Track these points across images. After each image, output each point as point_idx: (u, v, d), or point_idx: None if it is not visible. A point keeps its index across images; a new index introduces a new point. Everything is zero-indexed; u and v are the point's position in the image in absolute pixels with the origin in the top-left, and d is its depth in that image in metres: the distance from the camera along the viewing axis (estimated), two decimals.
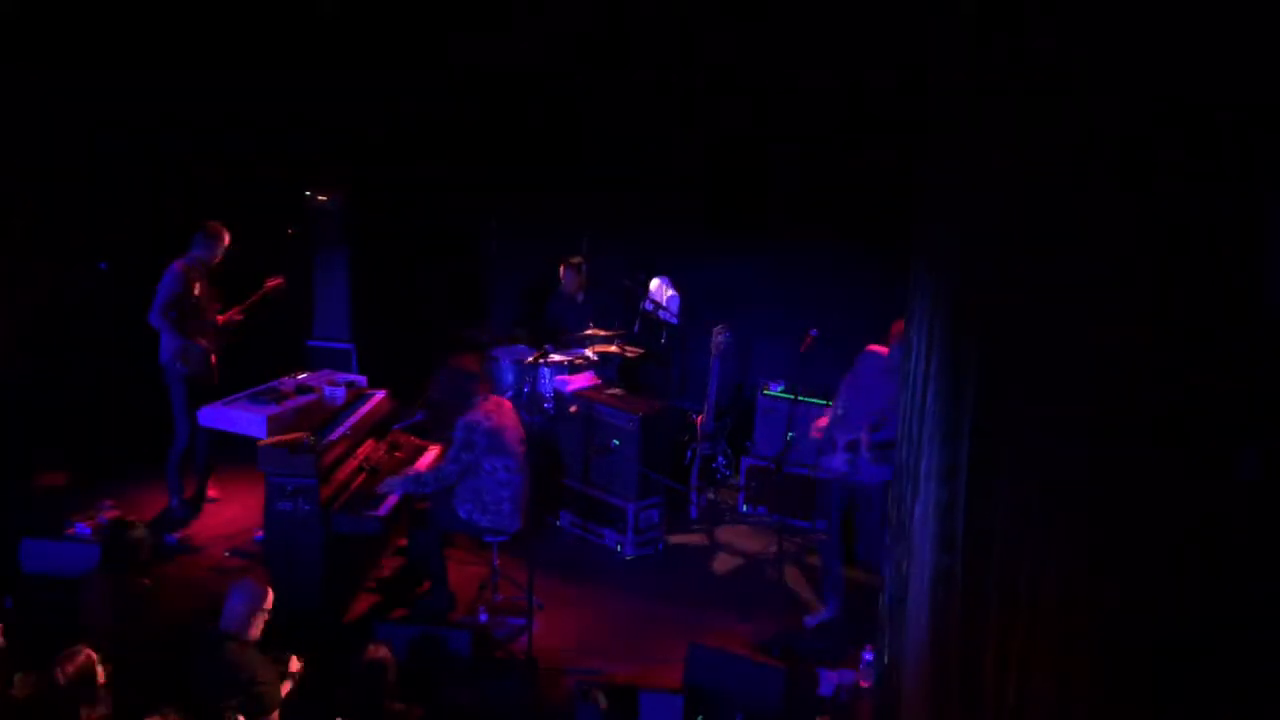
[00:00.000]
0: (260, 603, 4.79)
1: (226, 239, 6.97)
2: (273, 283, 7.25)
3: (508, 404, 6.28)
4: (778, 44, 7.57)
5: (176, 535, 6.90)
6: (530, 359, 7.52)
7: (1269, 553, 3.98)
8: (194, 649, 4.80)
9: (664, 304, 8.22)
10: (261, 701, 4.58)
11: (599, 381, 7.68)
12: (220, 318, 7.06)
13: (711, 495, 7.74)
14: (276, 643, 4.96)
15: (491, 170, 8.75)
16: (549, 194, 8.53)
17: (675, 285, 8.41)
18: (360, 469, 6.38)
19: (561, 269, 8.30)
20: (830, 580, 6.22)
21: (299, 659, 5.03)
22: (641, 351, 7.98)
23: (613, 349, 7.82)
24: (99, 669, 4.31)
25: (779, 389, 7.54)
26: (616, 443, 7.02)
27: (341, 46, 8.54)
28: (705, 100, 7.99)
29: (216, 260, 6.97)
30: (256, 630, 4.79)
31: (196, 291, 6.85)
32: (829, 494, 6.20)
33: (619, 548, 7.03)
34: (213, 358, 7.04)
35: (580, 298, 8.32)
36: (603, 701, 5.06)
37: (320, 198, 8.61)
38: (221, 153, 8.46)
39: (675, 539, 7.30)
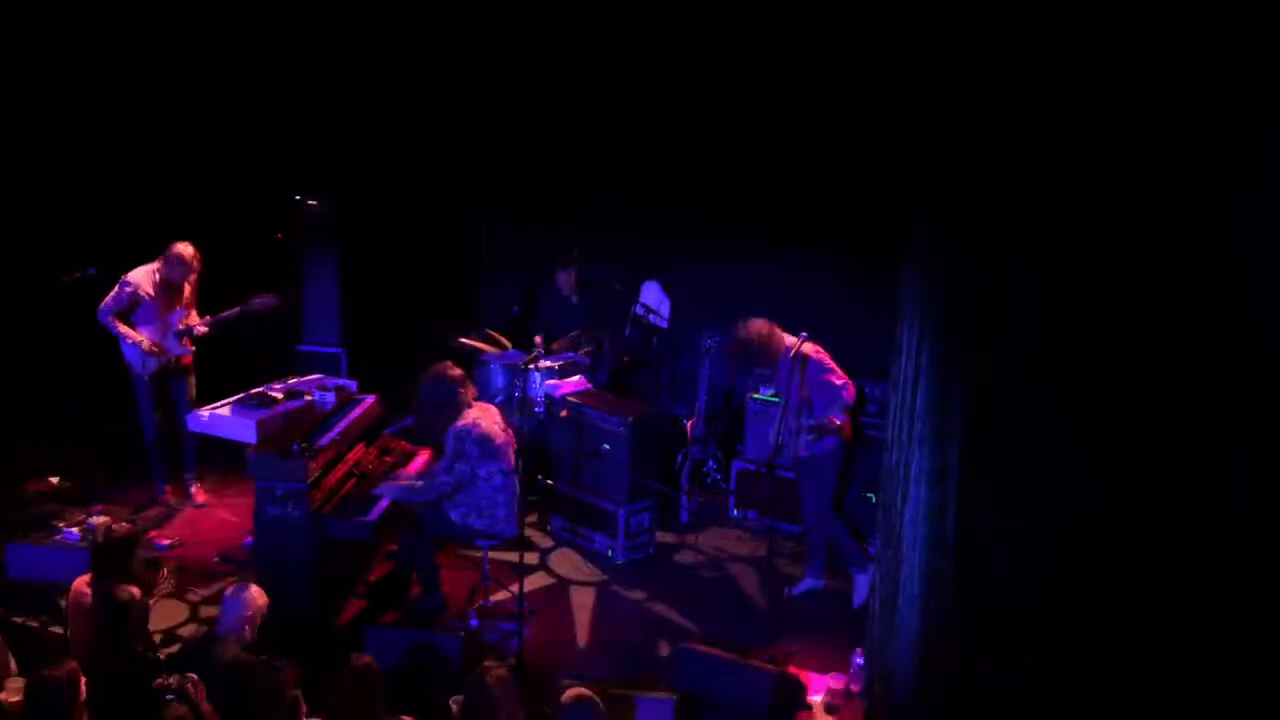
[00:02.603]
0: (257, 607, 4.78)
1: (187, 262, 7.01)
2: (261, 301, 7.13)
3: (493, 408, 6.27)
4: (773, 45, 7.60)
5: (166, 541, 6.89)
6: (521, 363, 7.51)
7: (1261, 558, 3.99)
8: (190, 654, 4.77)
9: (656, 308, 8.22)
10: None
11: (590, 386, 7.67)
12: (182, 323, 7.14)
13: (702, 499, 7.74)
14: (268, 648, 4.94)
15: (484, 172, 8.76)
16: (542, 197, 8.53)
17: (666, 289, 8.41)
18: (351, 474, 6.36)
19: (556, 273, 8.30)
20: (814, 552, 6.64)
21: None
22: (632, 356, 7.98)
23: (602, 353, 7.83)
24: (80, 683, 4.26)
25: (769, 393, 7.53)
26: (607, 447, 7.02)
27: (335, 45, 8.56)
28: (698, 102, 8.00)
29: (180, 279, 7.07)
30: (252, 635, 4.77)
31: (151, 298, 7.01)
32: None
33: (610, 552, 7.02)
34: (185, 358, 7.22)
35: (574, 301, 8.32)
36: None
37: (310, 202, 8.59)
38: (213, 154, 8.47)
39: (666, 543, 7.30)
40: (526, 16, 8.16)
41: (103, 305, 6.96)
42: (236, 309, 7.13)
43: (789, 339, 6.38)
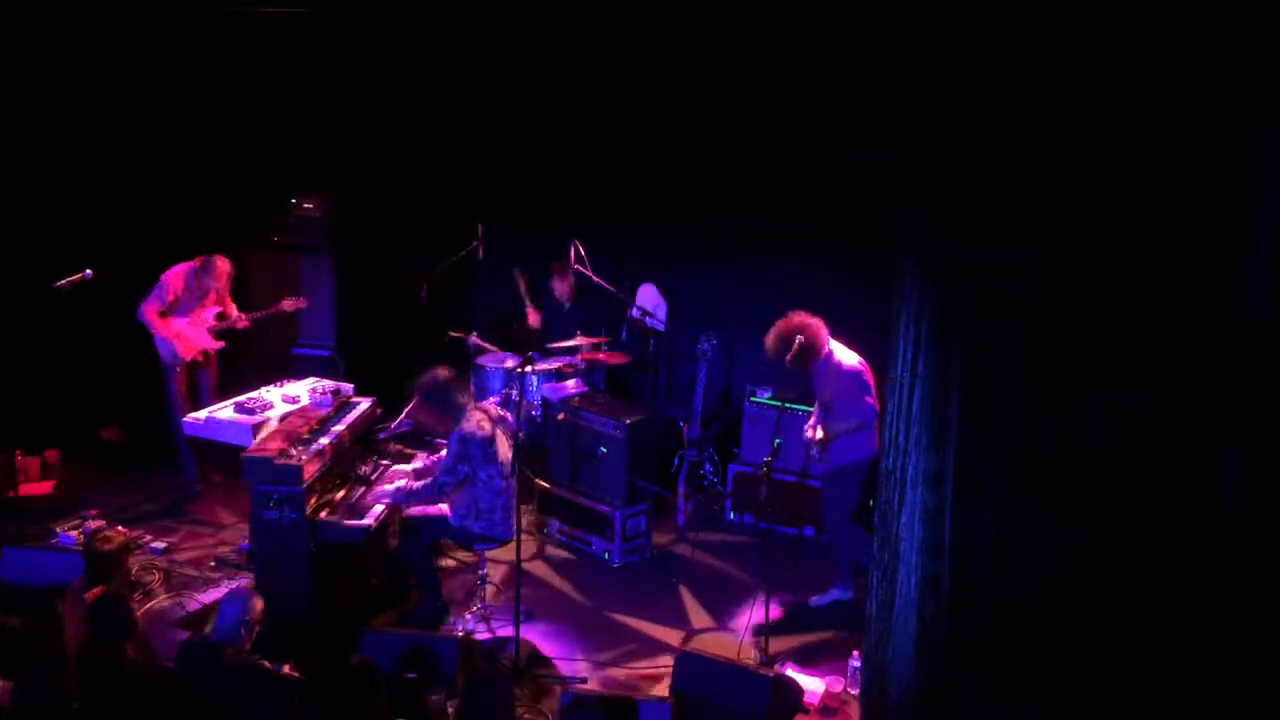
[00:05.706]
0: (253, 611, 4.77)
1: (221, 277, 7.59)
2: (290, 303, 7.84)
3: (491, 411, 6.26)
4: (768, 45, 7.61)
5: (162, 544, 6.88)
6: (518, 367, 7.50)
7: (1254, 555, 3.99)
8: (185, 659, 4.75)
9: (651, 311, 8.21)
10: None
11: (586, 389, 7.66)
12: (215, 319, 7.65)
13: (699, 501, 7.73)
14: (264, 652, 4.93)
15: (479, 174, 8.74)
16: (537, 200, 8.52)
17: (662, 292, 8.40)
18: (347, 477, 6.35)
19: (551, 275, 8.29)
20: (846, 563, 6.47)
21: None
22: (627, 358, 7.96)
23: (599, 356, 7.81)
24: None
25: (766, 396, 7.54)
26: (604, 450, 7.01)
27: (330, 44, 8.55)
28: (692, 104, 8.00)
29: (210, 287, 7.59)
30: (249, 639, 4.76)
31: (186, 296, 7.52)
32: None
33: (606, 555, 7.02)
34: (211, 355, 7.70)
35: (568, 305, 8.30)
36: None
37: (306, 205, 8.57)
38: (207, 156, 8.47)
39: (663, 546, 7.29)
40: None
41: (142, 305, 7.42)
42: (269, 309, 7.78)
43: (831, 344, 6.23)
